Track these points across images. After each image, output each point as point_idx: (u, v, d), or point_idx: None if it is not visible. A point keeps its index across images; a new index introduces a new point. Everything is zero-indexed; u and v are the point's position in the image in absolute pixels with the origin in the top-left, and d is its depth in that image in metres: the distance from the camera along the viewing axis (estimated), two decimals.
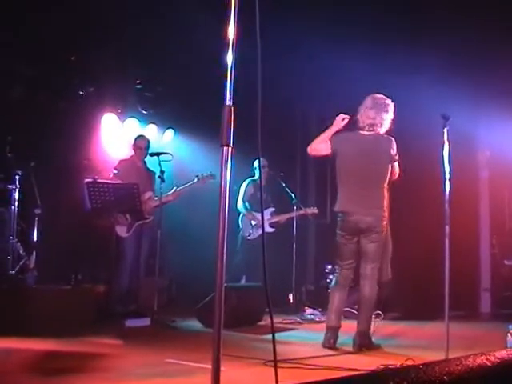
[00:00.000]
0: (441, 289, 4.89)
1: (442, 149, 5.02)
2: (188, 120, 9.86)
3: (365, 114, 5.93)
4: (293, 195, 9.15)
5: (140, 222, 7.71)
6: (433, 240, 6.62)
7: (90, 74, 8.88)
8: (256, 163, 9.21)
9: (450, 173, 5.00)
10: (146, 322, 7.02)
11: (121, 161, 8.06)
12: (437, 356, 4.43)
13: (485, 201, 10.60)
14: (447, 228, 4.88)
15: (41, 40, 7.72)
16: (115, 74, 9.01)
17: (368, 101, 5.95)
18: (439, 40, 8.18)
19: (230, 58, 2.72)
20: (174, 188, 7.79)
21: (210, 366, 2.51)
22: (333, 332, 5.74)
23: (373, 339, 5.78)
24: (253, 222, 9.10)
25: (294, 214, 9.18)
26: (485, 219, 10.58)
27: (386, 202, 5.92)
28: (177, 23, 8.00)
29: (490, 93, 8.48)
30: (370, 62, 7.95)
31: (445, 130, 5.01)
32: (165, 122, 10.05)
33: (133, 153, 8.10)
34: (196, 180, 7.84)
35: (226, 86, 2.69)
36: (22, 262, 7.42)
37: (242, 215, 9.19)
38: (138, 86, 9.73)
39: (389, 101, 5.97)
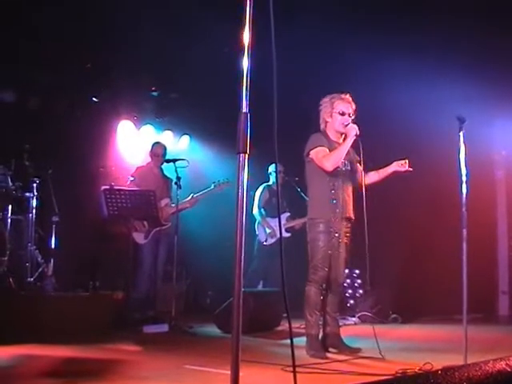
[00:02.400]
0: (458, 292, 4.87)
1: (459, 152, 4.99)
2: (203, 126, 9.89)
3: None
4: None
5: (157, 229, 7.74)
6: (450, 243, 6.58)
7: (105, 82, 8.93)
8: (270, 168, 9.23)
9: (466, 175, 4.97)
10: (164, 328, 7.03)
11: (138, 168, 8.10)
12: (455, 360, 4.41)
13: (502, 202, 10.52)
14: (464, 231, 4.85)
15: (57, 48, 7.76)
16: (131, 81, 9.05)
17: None
18: (454, 41, 8.14)
19: (245, 63, 2.70)
20: (191, 195, 7.81)
21: (228, 372, 2.51)
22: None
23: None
24: (267, 230, 9.09)
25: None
26: (502, 221, 10.51)
27: (315, 202, 5.86)
28: (192, 29, 8.02)
29: (505, 92, 8.43)
30: (387, 65, 7.93)
31: (461, 134, 4.97)
32: (180, 128, 10.09)
33: (149, 159, 8.13)
34: (213, 187, 7.86)
35: (241, 93, 2.69)
36: (40, 269, 7.47)
37: (257, 221, 9.19)
38: (154, 93, 9.78)
39: (323, 98, 5.95)
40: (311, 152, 5.76)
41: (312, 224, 5.78)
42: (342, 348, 5.72)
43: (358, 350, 5.64)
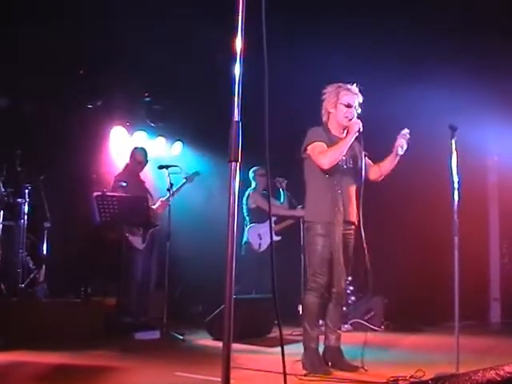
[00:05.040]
0: (450, 299, 4.87)
1: (450, 159, 4.99)
2: (196, 132, 9.89)
3: None
4: (287, 196, 9.08)
5: (151, 230, 7.85)
6: (441, 249, 6.59)
7: (98, 88, 8.93)
8: (251, 173, 9.13)
9: (458, 183, 4.98)
10: (156, 334, 7.02)
11: (117, 175, 8.09)
12: (447, 367, 4.42)
13: (494, 208, 10.54)
14: (456, 239, 4.86)
15: (50, 53, 7.76)
16: (124, 86, 9.05)
17: None
18: (447, 48, 8.18)
19: (237, 70, 2.67)
20: (160, 199, 7.92)
21: (219, 379, 2.51)
22: None
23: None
24: (258, 233, 9.01)
25: (293, 212, 9.01)
26: (494, 227, 10.53)
27: (314, 202, 5.34)
28: (185, 36, 8.03)
29: (498, 98, 8.46)
30: (377, 71, 7.95)
31: (453, 141, 4.98)
32: (173, 134, 10.09)
33: (129, 163, 8.20)
34: (184, 181, 8.04)
35: (233, 102, 2.67)
36: (31, 276, 7.44)
37: (247, 228, 9.10)
38: (147, 99, 9.78)
39: (326, 87, 5.47)
40: (308, 147, 5.27)
41: (309, 227, 5.28)
42: (343, 365, 5.16)
43: (357, 367, 5.07)
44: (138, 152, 8.21)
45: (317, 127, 5.41)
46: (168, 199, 7.61)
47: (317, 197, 5.31)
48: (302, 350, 5.19)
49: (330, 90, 5.42)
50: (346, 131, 5.33)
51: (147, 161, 8.23)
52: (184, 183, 8.03)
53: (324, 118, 5.46)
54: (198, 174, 8.23)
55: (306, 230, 5.39)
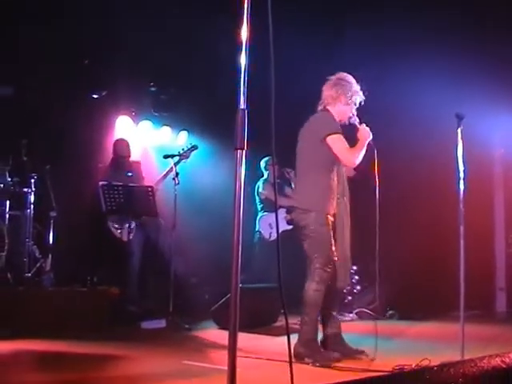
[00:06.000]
0: (455, 288, 4.87)
1: (456, 148, 4.98)
2: (202, 122, 9.87)
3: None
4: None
5: (139, 221, 7.80)
6: (446, 239, 6.59)
7: (103, 77, 8.91)
8: (262, 163, 9.20)
9: (464, 172, 4.96)
10: (162, 323, 7.04)
11: (101, 168, 8.10)
12: (452, 356, 4.42)
13: (499, 199, 10.52)
14: (461, 228, 4.85)
15: (55, 44, 7.75)
16: (129, 76, 9.03)
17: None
18: (453, 37, 8.14)
19: (243, 60, 2.67)
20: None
21: (225, 368, 2.52)
22: None
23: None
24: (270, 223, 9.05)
25: None
26: (499, 218, 10.51)
27: (318, 191, 5.24)
28: (190, 25, 8.01)
29: (504, 90, 8.43)
30: (385, 60, 7.93)
31: (459, 130, 4.96)
32: (179, 123, 10.07)
33: (113, 157, 8.23)
34: (181, 151, 7.70)
35: (239, 90, 2.66)
36: (38, 265, 7.45)
37: (259, 217, 9.16)
38: (152, 89, 9.76)
39: (345, 75, 5.41)
40: (330, 137, 5.17)
41: (316, 217, 5.17)
42: (345, 351, 5.20)
43: (362, 352, 5.17)
44: (118, 145, 8.26)
45: (330, 115, 5.34)
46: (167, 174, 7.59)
47: (324, 186, 5.26)
48: (297, 342, 5.07)
49: (350, 82, 5.38)
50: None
51: (130, 153, 8.25)
52: (180, 160, 7.63)
53: (327, 103, 5.39)
54: (196, 148, 7.78)
55: (313, 220, 5.19)
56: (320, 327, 5.30)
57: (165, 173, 7.69)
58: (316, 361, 4.92)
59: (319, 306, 5.16)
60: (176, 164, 7.55)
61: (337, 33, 8.09)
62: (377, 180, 5.18)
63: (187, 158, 7.68)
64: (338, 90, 5.34)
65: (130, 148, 8.34)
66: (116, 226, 7.76)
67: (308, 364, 4.86)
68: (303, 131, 5.41)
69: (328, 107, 5.38)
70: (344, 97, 5.32)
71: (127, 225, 7.60)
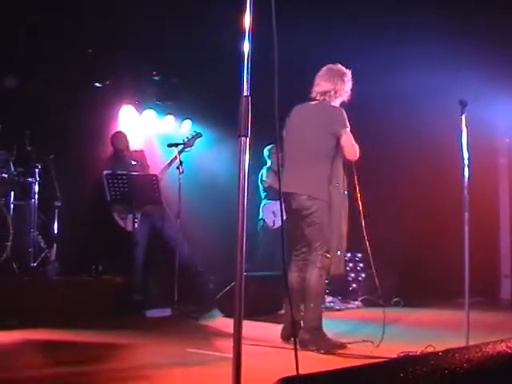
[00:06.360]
0: (460, 275, 4.87)
1: (460, 135, 4.97)
2: (205, 110, 9.86)
3: (316, 83, 5.48)
4: None
5: (142, 211, 7.80)
6: (451, 226, 6.58)
7: (106, 67, 8.90)
8: (266, 151, 9.20)
9: (468, 159, 4.96)
10: (167, 312, 7.06)
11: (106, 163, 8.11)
12: (457, 343, 4.41)
13: (504, 188, 10.52)
14: (466, 215, 4.85)
15: (57, 33, 7.73)
16: (132, 65, 9.02)
17: (322, 70, 5.51)
18: (457, 24, 8.10)
19: (246, 47, 2.67)
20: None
21: (231, 355, 2.52)
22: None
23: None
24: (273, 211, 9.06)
25: None
26: (504, 205, 10.52)
27: (325, 179, 5.28)
28: (192, 12, 7.99)
29: (509, 78, 8.40)
30: (388, 48, 7.89)
31: (463, 117, 4.95)
32: (182, 112, 10.06)
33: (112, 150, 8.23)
34: (186, 139, 7.69)
35: (242, 77, 2.66)
36: (43, 254, 7.47)
37: (262, 205, 9.18)
38: (155, 78, 9.75)
39: (345, 70, 5.49)
40: (343, 130, 5.27)
41: (322, 205, 5.22)
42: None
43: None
44: (115, 138, 8.26)
45: (338, 108, 5.41)
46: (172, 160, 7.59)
47: (332, 175, 5.32)
48: (302, 329, 5.08)
49: (350, 78, 5.50)
50: None
51: (128, 144, 8.25)
52: (184, 148, 7.63)
53: (329, 96, 5.45)
54: (200, 136, 7.78)
55: (319, 208, 5.24)
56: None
57: (169, 161, 7.68)
58: (321, 348, 4.94)
59: (323, 293, 5.25)
60: (180, 152, 7.53)
61: (348, 20, 8.02)
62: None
63: (191, 146, 7.68)
64: (340, 87, 5.44)
65: (128, 139, 8.32)
66: (120, 215, 7.76)
67: (313, 351, 4.88)
68: (305, 119, 5.45)
69: (328, 99, 5.44)
70: (343, 92, 5.47)
71: (131, 214, 7.59)
